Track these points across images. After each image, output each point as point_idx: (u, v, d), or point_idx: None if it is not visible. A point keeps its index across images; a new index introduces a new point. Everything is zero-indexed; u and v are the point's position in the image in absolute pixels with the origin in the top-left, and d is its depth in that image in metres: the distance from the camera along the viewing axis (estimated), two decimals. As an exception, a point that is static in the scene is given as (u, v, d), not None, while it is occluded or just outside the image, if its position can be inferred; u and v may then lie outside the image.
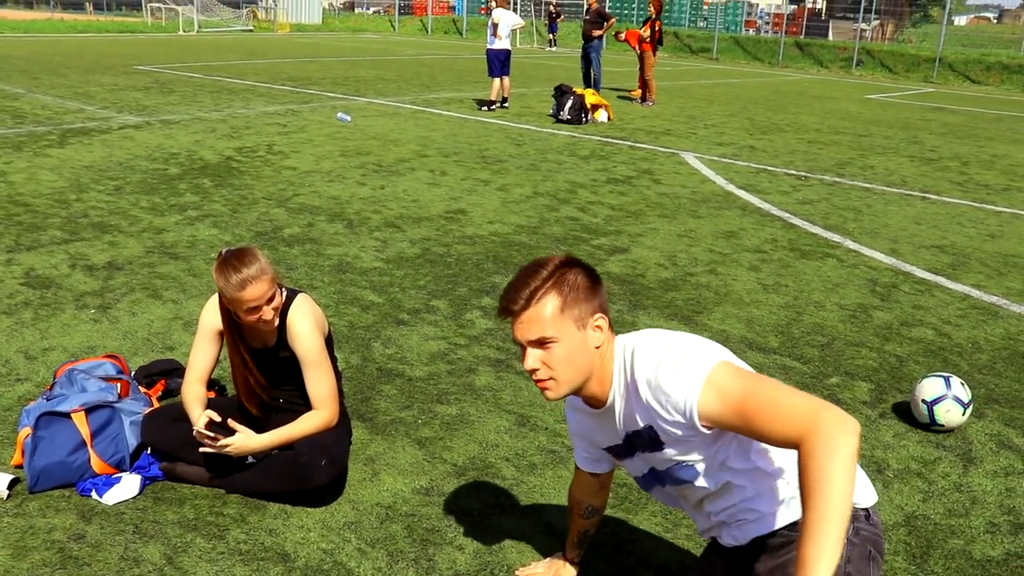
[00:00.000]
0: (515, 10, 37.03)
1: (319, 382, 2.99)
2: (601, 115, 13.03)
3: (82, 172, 7.83)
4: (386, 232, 6.26)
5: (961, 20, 58.84)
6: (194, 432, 2.88)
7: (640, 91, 16.21)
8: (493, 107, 13.69)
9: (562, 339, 1.91)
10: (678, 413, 1.87)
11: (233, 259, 2.84)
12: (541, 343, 1.92)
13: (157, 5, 40.00)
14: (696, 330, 4.69)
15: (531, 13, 39.56)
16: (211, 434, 2.86)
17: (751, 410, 1.77)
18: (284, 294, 3.02)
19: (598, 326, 1.96)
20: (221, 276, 2.83)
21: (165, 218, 6.38)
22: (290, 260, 5.54)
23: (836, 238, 6.77)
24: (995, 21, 57.99)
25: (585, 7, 16.87)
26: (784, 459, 1.99)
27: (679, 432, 1.91)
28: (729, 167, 9.65)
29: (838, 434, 1.63)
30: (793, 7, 42.62)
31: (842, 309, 5.17)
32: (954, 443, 3.64)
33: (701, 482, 2.03)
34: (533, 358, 1.93)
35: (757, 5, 46.77)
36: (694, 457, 1.99)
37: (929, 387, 3.68)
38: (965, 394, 3.65)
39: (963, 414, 3.65)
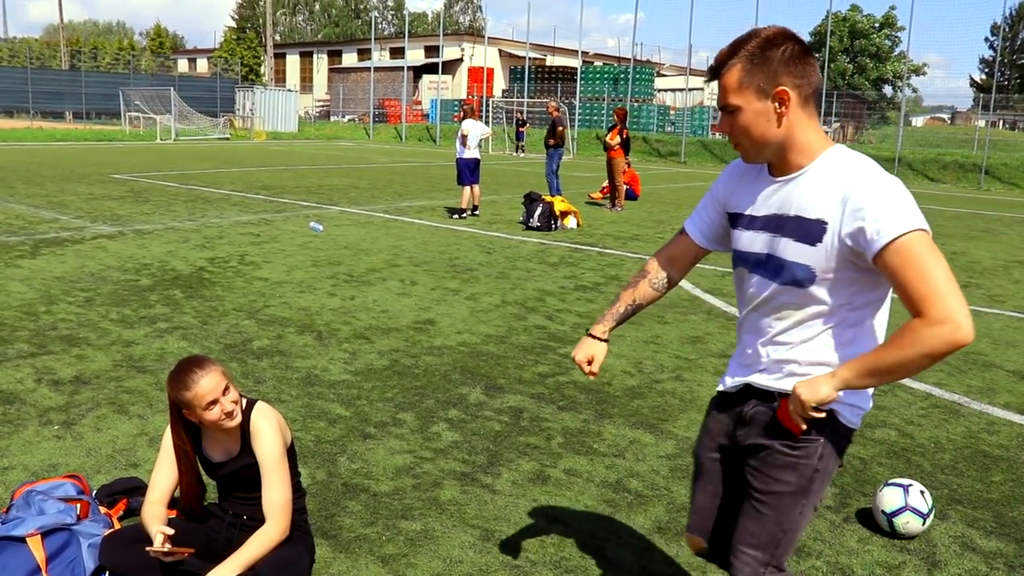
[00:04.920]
0: (486, 120, 38.05)
1: (275, 488, 2.98)
2: (570, 221, 13.28)
3: (53, 283, 7.86)
4: (355, 344, 6.31)
5: (918, 121, 60.90)
6: (151, 551, 2.85)
7: (608, 189, 16.63)
8: (464, 215, 13.93)
9: (744, 109, 2.09)
10: (868, 235, 1.99)
11: (182, 364, 2.96)
12: (725, 110, 2.13)
13: (136, 114, 40.73)
14: (660, 438, 4.73)
15: (502, 120, 40.58)
16: (166, 549, 2.83)
17: (911, 276, 1.98)
18: (244, 401, 3.06)
19: (781, 98, 2.06)
20: (175, 383, 2.91)
21: (135, 330, 6.40)
22: (258, 373, 5.56)
23: (800, 342, 6.87)
24: (949, 122, 60.05)
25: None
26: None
27: (840, 247, 2.05)
28: (695, 271, 9.83)
29: (939, 341, 1.94)
30: (757, 112, 43.95)
31: (806, 414, 5.22)
32: (918, 547, 3.66)
33: (807, 292, 2.14)
34: (723, 122, 2.17)
35: (722, 110, 48.22)
36: (825, 272, 2.10)
37: (888, 498, 3.70)
38: (924, 504, 3.66)
39: (923, 524, 3.67)
